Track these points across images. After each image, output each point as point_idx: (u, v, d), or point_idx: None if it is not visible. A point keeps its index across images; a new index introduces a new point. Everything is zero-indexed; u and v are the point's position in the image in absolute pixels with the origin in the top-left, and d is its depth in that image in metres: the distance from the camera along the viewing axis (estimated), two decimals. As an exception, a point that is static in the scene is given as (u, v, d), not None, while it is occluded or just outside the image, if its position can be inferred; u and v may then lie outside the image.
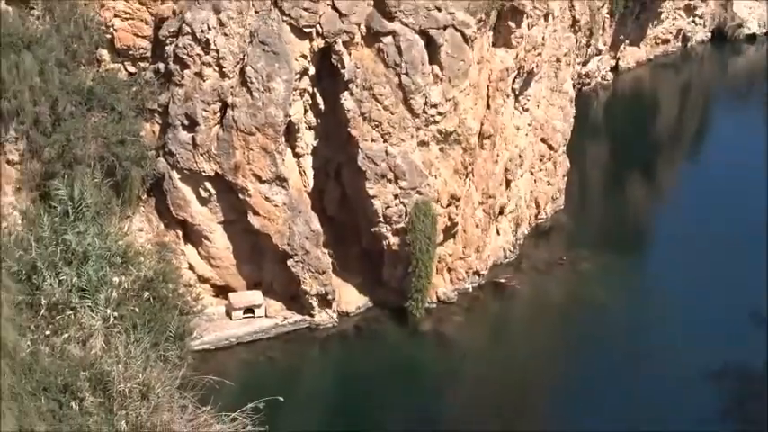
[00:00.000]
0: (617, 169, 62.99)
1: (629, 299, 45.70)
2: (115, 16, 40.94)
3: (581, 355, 41.73)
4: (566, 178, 53.72)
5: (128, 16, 41.10)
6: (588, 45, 67.15)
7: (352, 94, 41.17)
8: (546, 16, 48.29)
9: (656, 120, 73.81)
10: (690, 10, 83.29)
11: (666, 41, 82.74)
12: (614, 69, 76.66)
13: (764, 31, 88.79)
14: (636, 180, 61.82)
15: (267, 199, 41.10)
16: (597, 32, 68.15)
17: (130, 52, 41.39)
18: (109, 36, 40.94)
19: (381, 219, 42.39)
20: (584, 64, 68.69)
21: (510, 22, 45.21)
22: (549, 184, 52.53)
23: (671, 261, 49.36)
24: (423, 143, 42.41)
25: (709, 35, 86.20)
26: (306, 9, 39.99)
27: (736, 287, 44.21)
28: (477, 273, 46.38)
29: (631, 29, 77.04)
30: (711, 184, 58.74)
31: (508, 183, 48.14)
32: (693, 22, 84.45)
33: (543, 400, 39.81)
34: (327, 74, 41.76)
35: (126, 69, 41.52)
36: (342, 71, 41.12)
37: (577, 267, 48.48)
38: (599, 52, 71.60)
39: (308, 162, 42.87)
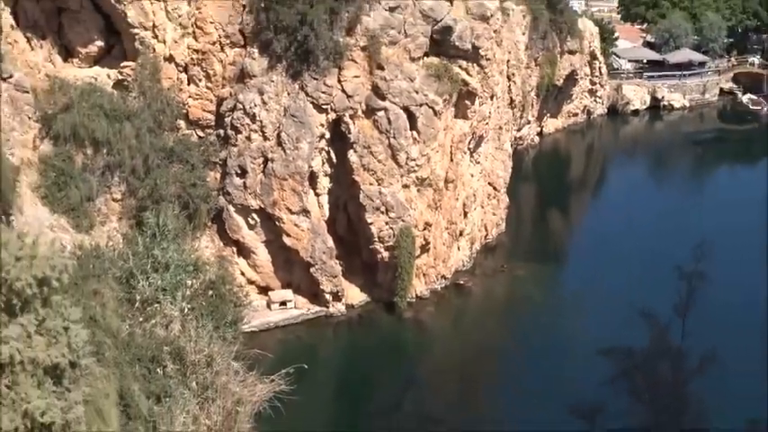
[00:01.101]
0: (542, 205, 63.08)
1: (551, 296, 45.62)
2: (189, 97, 41.20)
3: (516, 336, 41.49)
4: (506, 210, 53.74)
5: (198, 97, 41.34)
6: (521, 117, 67.56)
7: (355, 152, 41.28)
8: (491, 97, 48.50)
9: (570, 170, 74.11)
10: (592, 92, 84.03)
11: (576, 114, 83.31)
12: (540, 134, 77.02)
13: (644, 107, 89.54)
14: (556, 212, 61.89)
15: (296, 225, 41.10)
16: (528, 108, 68.62)
17: (200, 122, 41.55)
18: (185, 111, 41.18)
19: (376, 239, 42.35)
20: (519, 130, 69.03)
21: (466, 101, 45.38)
22: (494, 214, 52.57)
23: (581, 270, 49.24)
24: (405, 186, 42.43)
25: (606, 110, 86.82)
26: (323, 92, 40.20)
27: (628, 289, 44.03)
28: (443, 277, 46.28)
29: (551, 105, 77.63)
30: (609, 215, 58.91)
31: (466, 213, 48.15)
32: (595, 101, 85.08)
33: (489, 366, 39.63)
34: (338, 137, 41.82)
35: (196, 134, 41.60)
36: (348, 135, 41.23)
37: (514, 273, 48.23)
38: (529, 122, 72.01)
39: (324, 199, 42.77)
